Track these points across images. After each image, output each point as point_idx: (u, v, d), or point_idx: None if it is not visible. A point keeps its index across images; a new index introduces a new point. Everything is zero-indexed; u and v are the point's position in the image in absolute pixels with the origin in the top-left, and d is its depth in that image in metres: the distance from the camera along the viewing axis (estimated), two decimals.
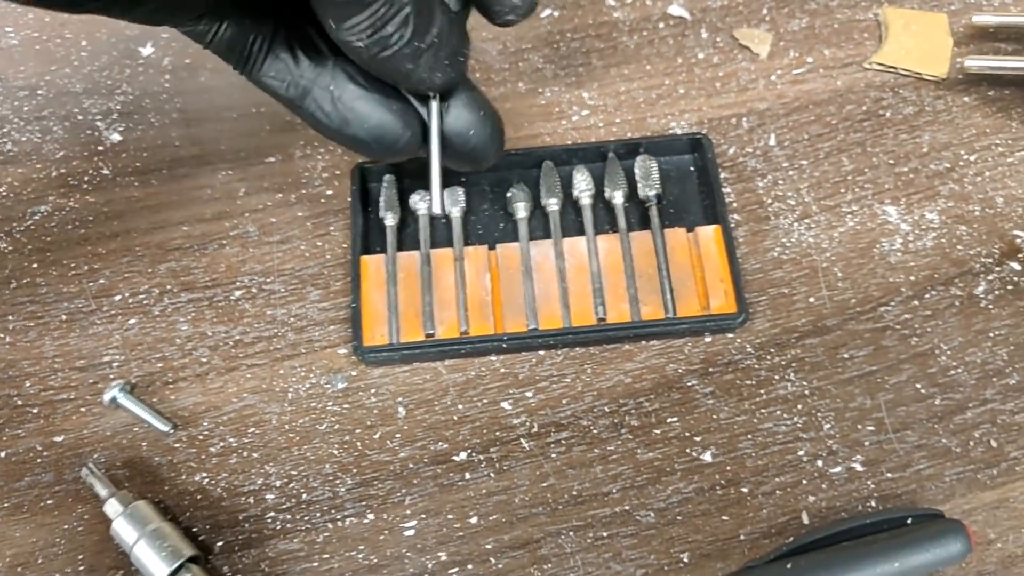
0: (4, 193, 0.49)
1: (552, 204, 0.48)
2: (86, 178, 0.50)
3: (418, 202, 0.48)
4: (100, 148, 0.51)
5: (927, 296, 0.46)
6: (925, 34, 0.53)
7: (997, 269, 0.47)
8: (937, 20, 0.54)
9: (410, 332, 0.45)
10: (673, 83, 0.52)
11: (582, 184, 0.48)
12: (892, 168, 0.50)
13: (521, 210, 0.47)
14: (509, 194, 0.48)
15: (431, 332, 0.45)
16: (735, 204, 0.48)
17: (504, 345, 0.45)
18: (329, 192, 0.49)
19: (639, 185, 0.48)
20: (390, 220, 0.47)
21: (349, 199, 0.48)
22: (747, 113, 0.51)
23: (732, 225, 0.48)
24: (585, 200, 0.48)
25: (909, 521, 0.40)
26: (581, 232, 0.47)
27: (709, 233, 0.47)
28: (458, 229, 0.47)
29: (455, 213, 0.47)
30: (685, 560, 0.41)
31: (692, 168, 0.49)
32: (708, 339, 0.45)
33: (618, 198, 0.48)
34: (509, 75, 0.52)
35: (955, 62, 0.53)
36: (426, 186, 0.42)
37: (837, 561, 0.39)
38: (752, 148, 0.50)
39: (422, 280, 0.46)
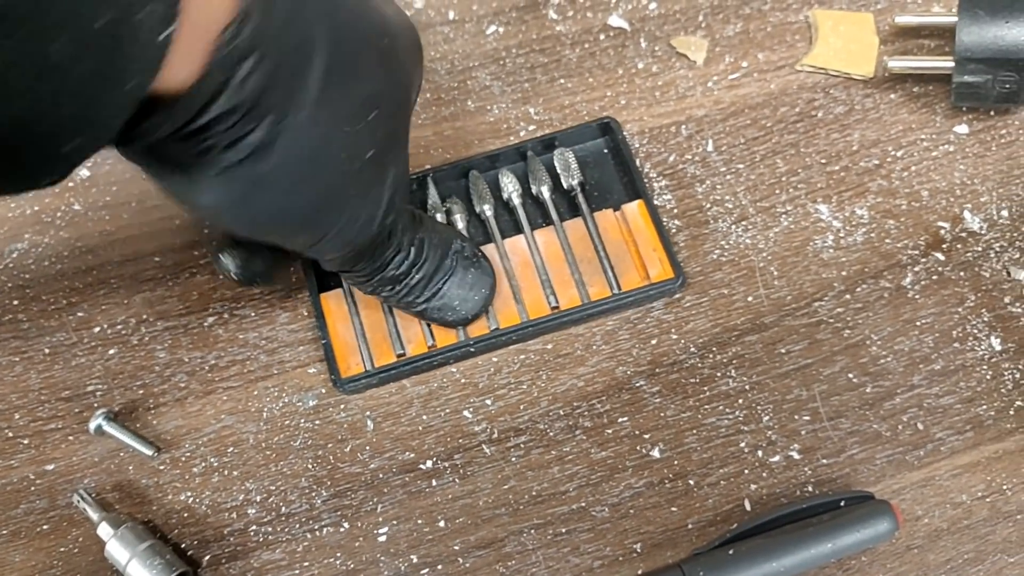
0: None
1: (486, 210, 0.52)
2: (59, 214, 0.54)
3: None
4: (70, 184, 0.54)
5: (858, 290, 0.51)
6: (852, 34, 0.58)
7: (923, 260, 0.52)
8: (863, 20, 0.58)
9: (382, 355, 0.49)
10: (615, 94, 0.56)
11: (509, 186, 0.52)
12: (824, 167, 0.54)
13: (459, 221, 0.52)
14: (445, 207, 0.52)
15: (401, 352, 0.49)
16: (676, 210, 0.53)
17: (472, 349, 0.49)
18: None
19: (561, 177, 0.52)
20: None
21: None
22: (686, 120, 0.55)
23: (673, 231, 0.52)
24: (515, 200, 0.52)
25: (842, 504, 0.45)
26: (519, 231, 0.52)
27: (634, 208, 0.52)
28: None
29: None
30: (638, 550, 0.46)
31: (605, 150, 0.54)
32: (654, 341, 0.50)
33: (545, 192, 0.52)
34: (458, 94, 0.56)
35: (882, 60, 0.57)
36: None
37: (775, 545, 0.44)
38: (691, 155, 0.54)
39: (383, 305, 0.50)
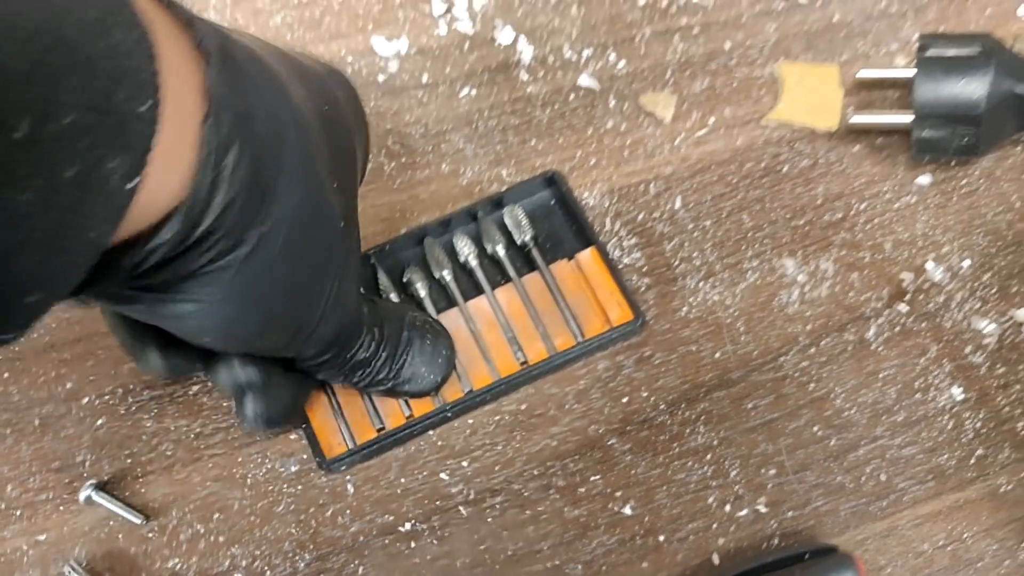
0: None
1: (445, 275, 0.54)
2: None
3: None
4: None
5: (823, 343, 0.53)
6: (817, 88, 0.60)
7: (886, 312, 0.54)
8: (828, 73, 0.60)
9: (362, 432, 0.51)
10: (584, 154, 0.58)
11: (465, 249, 0.54)
12: (789, 222, 0.56)
13: (421, 290, 0.53)
14: (405, 279, 0.54)
15: (381, 426, 0.51)
16: (645, 268, 0.55)
17: (449, 414, 0.51)
18: None
19: (513, 233, 0.55)
20: None
21: None
22: (654, 178, 0.57)
23: (643, 289, 0.54)
24: (472, 262, 0.54)
25: (807, 556, 0.47)
26: (479, 291, 0.54)
27: (588, 256, 0.54)
28: None
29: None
30: None
31: (552, 202, 0.56)
32: (625, 400, 0.52)
33: (500, 250, 0.54)
34: (432, 157, 0.58)
35: (846, 113, 0.59)
36: None
37: None
38: (659, 212, 0.56)
39: None
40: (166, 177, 0.31)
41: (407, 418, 0.51)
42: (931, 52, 0.55)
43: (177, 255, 0.34)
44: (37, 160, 0.26)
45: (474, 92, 0.60)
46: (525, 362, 0.52)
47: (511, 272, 0.54)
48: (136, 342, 0.43)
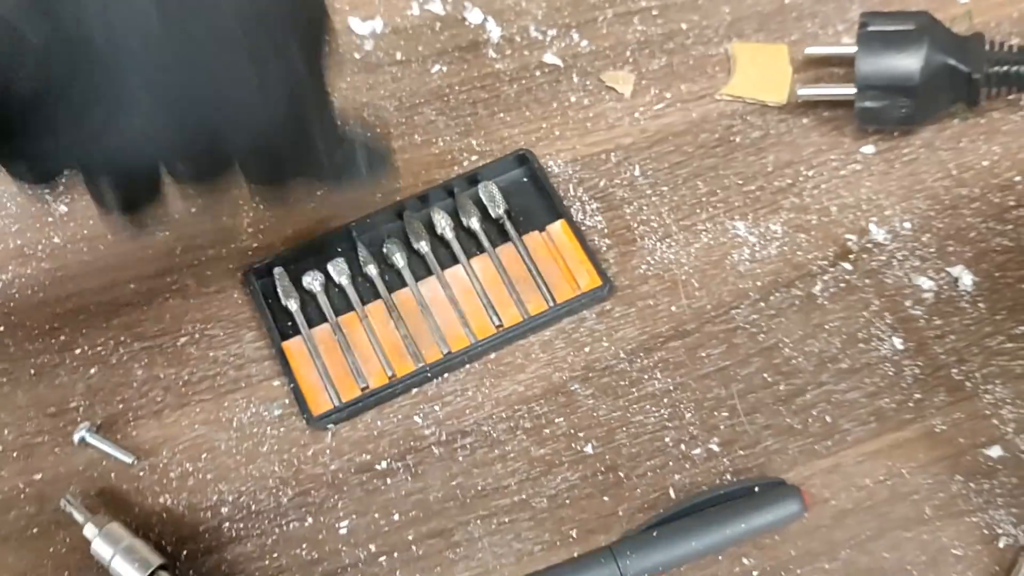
0: None
1: (423, 246, 0.58)
2: (39, 247, 0.60)
3: (311, 282, 0.57)
4: (50, 219, 0.60)
5: (772, 298, 0.57)
6: (768, 65, 0.64)
7: (832, 270, 0.58)
8: (778, 51, 0.65)
9: (347, 391, 0.55)
10: (550, 126, 0.63)
11: (442, 222, 0.59)
12: (741, 187, 0.61)
13: (399, 260, 0.57)
14: (385, 249, 0.58)
15: (364, 385, 0.55)
16: (606, 230, 0.59)
17: (429, 374, 0.55)
18: (255, 244, 0.59)
19: (488, 208, 0.59)
20: (292, 306, 0.57)
21: (267, 263, 0.58)
22: (615, 148, 0.62)
23: (604, 249, 0.59)
24: (449, 234, 0.59)
25: (756, 489, 0.51)
26: (456, 261, 0.58)
27: (558, 228, 0.59)
28: (353, 294, 0.57)
29: (344, 281, 0.57)
30: (574, 536, 0.52)
31: (525, 179, 0.61)
32: (587, 349, 0.56)
33: (475, 224, 0.59)
34: (406, 128, 0.62)
35: (795, 88, 0.64)
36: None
37: (695, 526, 0.50)
38: (620, 180, 0.61)
39: (340, 346, 0.56)
40: None
41: (389, 378, 0.55)
42: (872, 28, 0.59)
43: None
44: None
45: (445, 68, 0.65)
46: (500, 325, 0.56)
47: (486, 244, 0.58)
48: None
